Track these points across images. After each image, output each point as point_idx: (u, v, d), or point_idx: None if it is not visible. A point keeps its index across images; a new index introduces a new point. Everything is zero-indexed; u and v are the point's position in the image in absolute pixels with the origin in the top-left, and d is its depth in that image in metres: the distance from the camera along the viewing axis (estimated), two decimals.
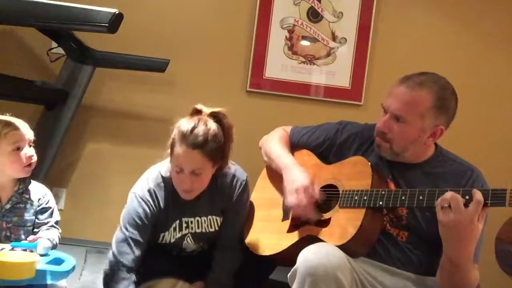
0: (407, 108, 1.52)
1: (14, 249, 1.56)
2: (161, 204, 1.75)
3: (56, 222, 1.81)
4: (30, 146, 1.73)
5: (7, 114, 1.73)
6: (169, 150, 1.71)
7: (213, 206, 1.81)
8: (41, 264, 1.53)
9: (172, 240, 1.80)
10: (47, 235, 1.71)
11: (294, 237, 1.65)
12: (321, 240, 1.53)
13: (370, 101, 2.78)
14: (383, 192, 1.49)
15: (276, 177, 1.86)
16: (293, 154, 1.85)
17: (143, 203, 1.72)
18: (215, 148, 1.66)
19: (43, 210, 1.78)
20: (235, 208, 1.82)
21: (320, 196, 1.64)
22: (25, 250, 1.56)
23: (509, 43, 2.82)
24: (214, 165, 1.71)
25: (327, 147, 1.79)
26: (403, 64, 2.68)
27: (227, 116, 1.74)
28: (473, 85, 2.80)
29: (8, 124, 1.68)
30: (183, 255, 1.88)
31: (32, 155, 1.73)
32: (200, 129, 1.64)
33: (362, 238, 1.48)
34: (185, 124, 1.66)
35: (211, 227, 1.82)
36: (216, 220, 1.82)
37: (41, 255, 1.59)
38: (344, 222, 1.53)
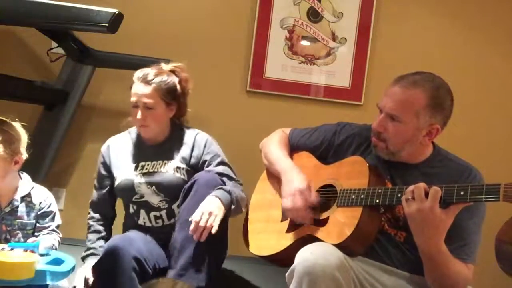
0: (401, 107, 1.53)
1: (14, 249, 1.56)
2: (116, 153, 1.97)
3: (57, 226, 1.80)
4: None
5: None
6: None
7: (175, 152, 1.93)
8: (41, 264, 1.53)
9: (123, 179, 1.91)
10: (47, 240, 1.71)
11: (293, 237, 1.65)
12: (319, 240, 1.53)
13: (370, 101, 2.77)
14: (379, 190, 1.49)
15: (275, 179, 1.87)
16: (292, 156, 1.86)
17: (100, 156, 2.00)
18: (165, 89, 1.88)
19: (44, 214, 1.77)
20: (209, 156, 1.94)
21: (317, 199, 1.65)
22: (25, 250, 1.56)
23: (509, 43, 2.82)
24: (167, 106, 1.91)
25: (325, 148, 1.80)
26: (403, 64, 2.67)
27: (184, 70, 2.01)
28: (473, 85, 2.80)
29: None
30: (154, 228, 1.89)
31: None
32: (152, 72, 1.90)
33: (359, 236, 1.48)
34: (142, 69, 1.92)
35: (165, 170, 1.89)
36: (174, 165, 1.90)
37: (42, 255, 1.59)
38: (341, 221, 1.54)
